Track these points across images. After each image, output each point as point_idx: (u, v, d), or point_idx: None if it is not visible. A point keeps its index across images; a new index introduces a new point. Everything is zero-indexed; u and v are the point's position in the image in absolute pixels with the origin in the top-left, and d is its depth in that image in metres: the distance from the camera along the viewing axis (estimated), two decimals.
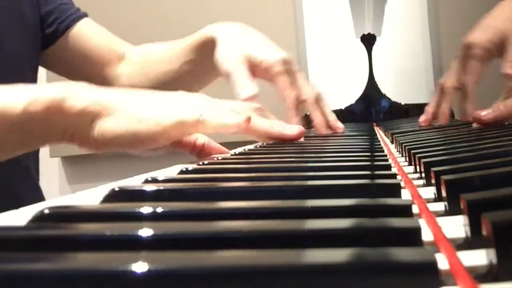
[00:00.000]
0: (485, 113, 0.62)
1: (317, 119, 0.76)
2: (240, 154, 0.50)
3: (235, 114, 0.47)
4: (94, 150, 0.45)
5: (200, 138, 0.56)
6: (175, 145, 0.54)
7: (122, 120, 0.43)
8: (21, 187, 0.76)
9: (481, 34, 0.74)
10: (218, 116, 0.46)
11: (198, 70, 0.80)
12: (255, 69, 0.71)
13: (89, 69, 0.82)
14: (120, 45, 0.86)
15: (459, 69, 0.76)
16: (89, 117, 0.43)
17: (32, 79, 0.78)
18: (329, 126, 0.76)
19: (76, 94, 0.43)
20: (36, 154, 0.82)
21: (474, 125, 0.64)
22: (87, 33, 0.83)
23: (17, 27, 0.74)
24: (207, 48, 0.75)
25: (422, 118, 0.82)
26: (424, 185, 0.31)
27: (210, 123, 0.45)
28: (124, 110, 0.44)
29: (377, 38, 1.25)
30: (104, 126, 0.43)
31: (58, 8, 0.82)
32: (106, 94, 0.45)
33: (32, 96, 0.42)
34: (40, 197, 0.81)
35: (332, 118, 0.77)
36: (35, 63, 0.80)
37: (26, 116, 0.41)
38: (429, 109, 0.81)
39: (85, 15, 0.84)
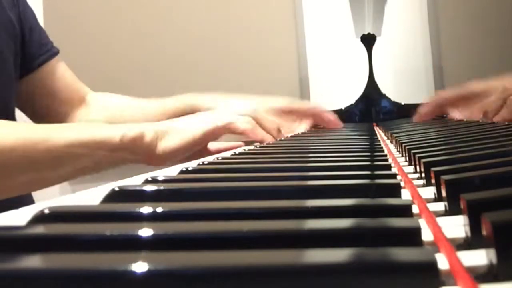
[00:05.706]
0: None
1: None
2: (240, 154, 0.50)
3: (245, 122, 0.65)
4: (162, 165, 0.61)
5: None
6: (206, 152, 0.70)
7: (174, 137, 0.62)
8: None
9: None
10: (239, 122, 0.64)
11: None
12: None
13: (54, 108, 0.83)
14: (83, 88, 0.87)
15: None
16: (155, 144, 0.61)
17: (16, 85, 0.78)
18: None
19: (146, 131, 0.60)
20: None
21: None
22: (59, 71, 0.83)
23: (3, 32, 0.74)
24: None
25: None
26: (424, 185, 0.31)
27: (237, 128, 0.64)
28: (174, 131, 0.62)
29: (377, 38, 1.25)
30: (164, 146, 0.61)
31: (39, 38, 0.81)
32: (161, 126, 0.63)
33: (122, 131, 0.58)
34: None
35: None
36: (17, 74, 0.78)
37: (121, 145, 0.58)
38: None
39: (58, 51, 0.84)
